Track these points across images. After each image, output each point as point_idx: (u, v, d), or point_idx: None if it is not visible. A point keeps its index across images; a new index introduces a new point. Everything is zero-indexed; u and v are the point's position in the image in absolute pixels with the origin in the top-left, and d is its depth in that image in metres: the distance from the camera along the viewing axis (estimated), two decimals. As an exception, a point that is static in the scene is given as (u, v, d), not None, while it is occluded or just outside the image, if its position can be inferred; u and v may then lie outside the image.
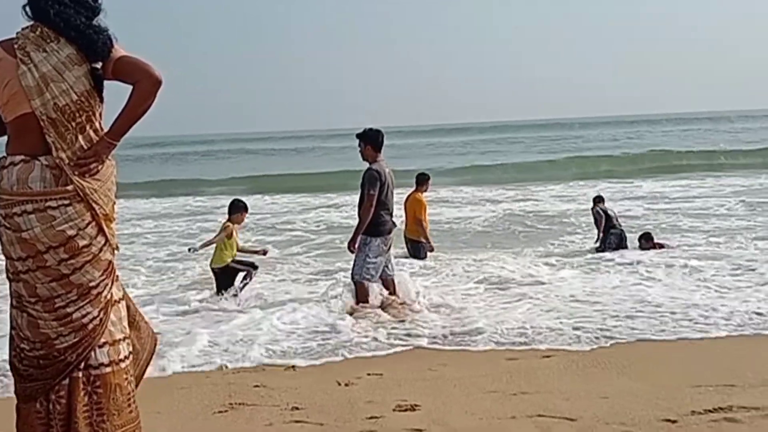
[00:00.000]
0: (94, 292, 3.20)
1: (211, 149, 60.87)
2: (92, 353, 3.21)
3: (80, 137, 3.19)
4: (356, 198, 8.42)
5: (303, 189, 24.63)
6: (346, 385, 5.28)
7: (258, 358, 6.15)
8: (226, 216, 8.97)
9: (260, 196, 22.95)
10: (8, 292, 3.28)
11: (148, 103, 3.22)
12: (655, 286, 8.48)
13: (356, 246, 8.02)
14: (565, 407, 4.50)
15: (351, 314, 7.50)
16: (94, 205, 3.19)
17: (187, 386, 5.35)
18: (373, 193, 7.91)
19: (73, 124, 3.17)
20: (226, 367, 5.92)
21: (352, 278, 8.09)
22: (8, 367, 3.32)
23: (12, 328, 3.27)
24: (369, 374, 5.54)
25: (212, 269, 8.80)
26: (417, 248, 11.32)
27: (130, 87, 3.21)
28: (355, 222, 8.23)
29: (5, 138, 3.28)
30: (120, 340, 3.30)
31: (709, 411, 4.33)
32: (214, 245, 8.79)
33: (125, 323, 3.36)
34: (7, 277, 3.23)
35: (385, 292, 8.11)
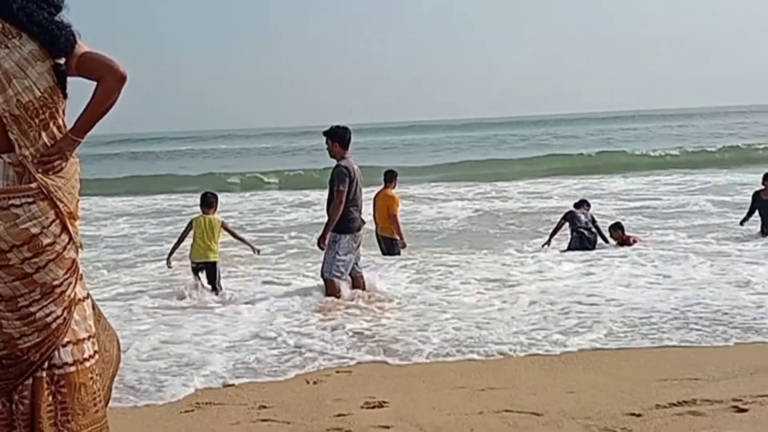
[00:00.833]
0: (58, 290, 3.17)
1: (177, 149, 60.11)
2: (56, 352, 3.17)
3: (44, 134, 3.15)
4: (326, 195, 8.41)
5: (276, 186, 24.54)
6: (315, 383, 5.28)
7: (219, 369, 5.74)
8: (202, 211, 8.86)
9: (228, 193, 22.81)
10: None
11: (113, 99, 3.20)
12: (609, 284, 8.52)
13: (326, 243, 8.02)
14: (531, 402, 4.55)
15: (320, 312, 7.50)
16: (58, 202, 3.16)
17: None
18: (343, 189, 7.91)
19: (37, 120, 3.14)
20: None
21: (322, 275, 8.10)
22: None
23: (-27, 328, 3.22)
24: (338, 372, 5.55)
25: (204, 263, 8.64)
26: (391, 245, 11.28)
27: (94, 84, 3.18)
28: (324, 219, 8.23)
29: None
30: (84, 339, 3.26)
31: (674, 404, 4.40)
32: (192, 239, 8.68)
33: (90, 322, 3.33)
34: (-31, 276, 3.18)
35: (355, 290, 8.14)
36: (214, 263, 8.65)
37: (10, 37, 3.11)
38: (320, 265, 8.19)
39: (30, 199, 3.10)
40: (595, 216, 11.98)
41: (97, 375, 3.30)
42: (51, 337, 3.16)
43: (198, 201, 9.34)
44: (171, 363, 5.92)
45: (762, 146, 35.13)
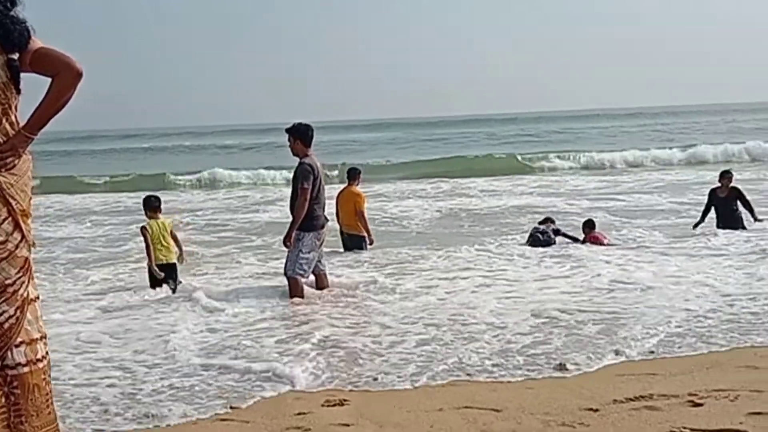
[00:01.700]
0: (10, 290, 3.13)
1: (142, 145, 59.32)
2: (9, 353, 3.13)
3: (-5, 130, 3.11)
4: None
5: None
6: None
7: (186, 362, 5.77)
8: (147, 215, 8.79)
9: (199, 191, 22.64)
10: None
11: (68, 95, 3.17)
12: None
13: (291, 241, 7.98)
14: (491, 398, 4.58)
15: (282, 316, 7.43)
16: (10, 200, 3.12)
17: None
18: (307, 187, 7.87)
19: (-12, 116, 3.09)
20: None
21: (285, 274, 8.07)
22: None
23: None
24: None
25: (164, 265, 8.60)
26: (358, 242, 11.24)
27: (49, 79, 3.15)
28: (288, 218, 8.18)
29: None
30: (37, 339, 3.22)
31: (630, 399, 4.46)
32: (153, 244, 8.61)
33: (41, 322, 3.29)
34: None
35: (319, 289, 8.13)
36: (175, 263, 8.72)
37: (-39, 31, 3.06)
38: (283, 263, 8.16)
39: (-19, 197, 3.05)
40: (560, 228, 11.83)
41: (49, 376, 3.27)
42: (4, 337, 3.12)
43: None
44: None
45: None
